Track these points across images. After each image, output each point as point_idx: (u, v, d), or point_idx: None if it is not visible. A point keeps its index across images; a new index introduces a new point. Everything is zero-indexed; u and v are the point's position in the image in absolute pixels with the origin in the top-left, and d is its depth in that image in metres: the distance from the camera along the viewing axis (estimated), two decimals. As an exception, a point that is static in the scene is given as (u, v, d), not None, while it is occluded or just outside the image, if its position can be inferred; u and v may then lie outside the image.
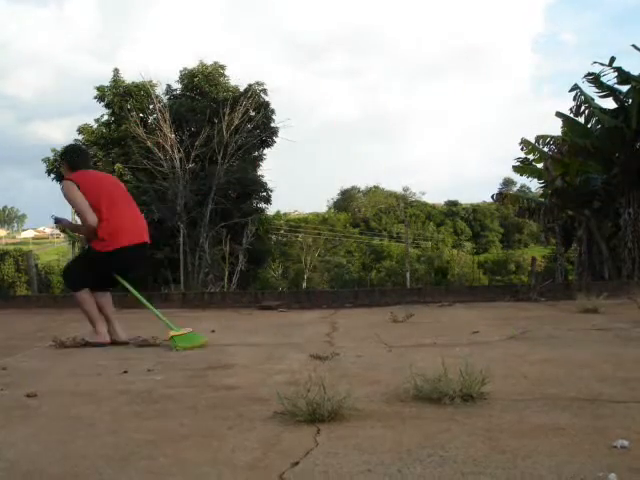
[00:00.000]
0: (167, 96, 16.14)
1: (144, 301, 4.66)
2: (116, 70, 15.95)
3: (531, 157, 13.09)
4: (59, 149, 15.55)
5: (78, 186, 4.41)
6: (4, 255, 24.61)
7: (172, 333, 4.26)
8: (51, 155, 15.51)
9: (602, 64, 10.37)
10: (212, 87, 15.75)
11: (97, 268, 4.50)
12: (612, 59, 10.28)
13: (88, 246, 4.70)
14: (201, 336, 4.39)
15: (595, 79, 10.63)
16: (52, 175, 15.47)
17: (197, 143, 13.34)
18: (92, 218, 4.36)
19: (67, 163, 4.62)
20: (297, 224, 48.90)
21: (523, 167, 13.30)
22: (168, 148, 13.12)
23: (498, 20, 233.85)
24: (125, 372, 3.38)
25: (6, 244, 67.60)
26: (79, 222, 4.66)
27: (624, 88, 10.68)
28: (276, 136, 16.03)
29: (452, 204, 72.32)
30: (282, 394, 2.37)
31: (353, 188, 76.30)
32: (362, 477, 1.75)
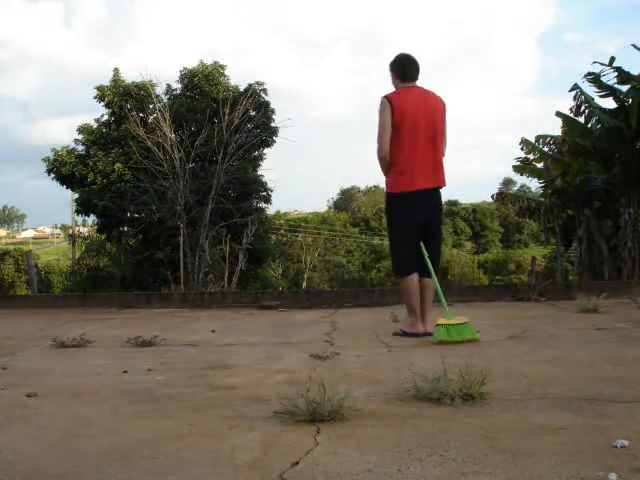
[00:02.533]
0: (167, 96, 16.14)
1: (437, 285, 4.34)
2: (116, 70, 15.93)
3: (531, 157, 13.09)
4: (59, 149, 15.53)
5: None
6: (4, 255, 24.58)
7: (441, 321, 4.00)
8: (51, 155, 15.48)
9: (602, 64, 10.35)
10: (212, 87, 15.75)
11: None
12: (612, 59, 10.26)
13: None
14: (473, 330, 4.01)
15: (595, 79, 10.61)
16: (52, 175, 15.43)
17: (197, 143, 13.33)
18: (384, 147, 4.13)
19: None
20: (297, 224, 48.86)
21: (523, 167, 13.29)
22: (168, 148, 13.10)
23: (501, 19, 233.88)
24: (125, 372, 3.38)
25: (6, 244, 67.56)
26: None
27: (624, 88, 10.66)
28: (276, 136, 16.03)
29: (452, 204, 72.32)
30: (282, 394, 2.37)
31: (353, 188, 76.44)
32: (362, 477, 1.75)
